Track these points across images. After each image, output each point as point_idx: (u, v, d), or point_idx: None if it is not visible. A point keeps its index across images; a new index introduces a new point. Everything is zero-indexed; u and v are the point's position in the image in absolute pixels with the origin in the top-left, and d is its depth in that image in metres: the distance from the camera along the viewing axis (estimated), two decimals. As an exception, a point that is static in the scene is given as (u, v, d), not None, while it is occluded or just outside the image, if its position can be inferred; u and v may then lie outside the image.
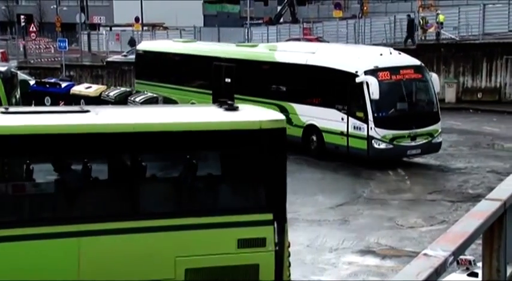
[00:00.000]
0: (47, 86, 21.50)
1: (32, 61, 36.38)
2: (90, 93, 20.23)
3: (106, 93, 19.75)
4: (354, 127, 15.35)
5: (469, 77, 26.04)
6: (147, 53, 22.95)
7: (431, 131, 15.66)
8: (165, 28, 45.44)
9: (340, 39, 33.61)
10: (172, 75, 21.11)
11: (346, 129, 15.45)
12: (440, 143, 15.88)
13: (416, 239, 10.77)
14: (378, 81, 14.80)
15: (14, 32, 48.25)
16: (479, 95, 25.69)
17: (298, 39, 33.89)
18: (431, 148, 15.72)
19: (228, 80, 18.68)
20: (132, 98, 18.52)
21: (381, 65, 15.27)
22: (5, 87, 11.49)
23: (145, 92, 19.88)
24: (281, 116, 7.59)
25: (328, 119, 15.95)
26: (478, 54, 26.01)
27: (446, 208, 12.45)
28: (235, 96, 16.95)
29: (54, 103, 20.92)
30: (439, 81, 16.75)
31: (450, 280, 6.17)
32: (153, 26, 44.79)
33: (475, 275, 5.85)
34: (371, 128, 15.02)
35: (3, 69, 12.14)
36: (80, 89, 20.82)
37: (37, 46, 39.94)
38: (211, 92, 18.83)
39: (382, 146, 15.03)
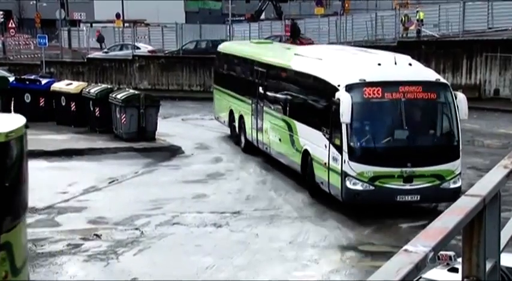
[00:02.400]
0: (27, 82, 21.30)
1: (11, 57, 36.02)
2: (70, 90, 20.09)
3: (87, 90, 19.62)
4: (333, 158, 11.54)
5: (450, 74, 26.20)
6: (226, 56, 19.01)
7: (440, 171, 11.33)
8: (147, 25, 45.21)
9: (322, 36, 33.67)
10: (250, 87, 16.35)
11: (327, 160, 11.74)
12: (456, 189, 11.22)
13: (397, 236, 10.83)
14: (362, 99, 11.08)
15: (-7, 28, 47.67)
16: (460, 92, 25.93)
17: (280, 36, 33.90)
18: (440, 195, 11.33)
19: None
20: (114, 95, 18.43)
21: (370, 79, 11.26)
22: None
23: (127, 90, 19.75)
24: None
25: (317, 144, 12.30)
26: (458, 51, 26.20)
27: (427, 204, 12.52)
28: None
29: (34, 100, 20.77)
30: (466, 103, 11.58)
31: (430, 276, 6.21)
32: (135, 23, 44.52)
33: (456, 270, 5.89)
34: (344, 161, 11.12)
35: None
36: (60, 85, 20.66)
37: (16, 42, 39.54)
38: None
39: (358, 186, 11.03)
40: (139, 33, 38.82)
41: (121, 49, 35.60)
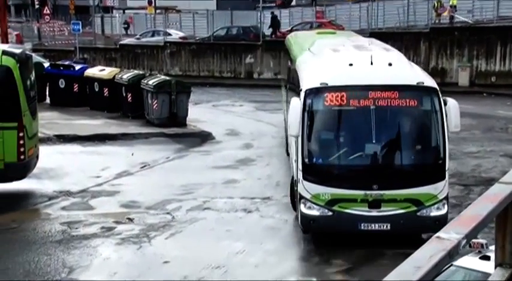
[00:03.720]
0: (61, 68, 21.55)
1: (46, 44, 36.44)
2: (103, 76, 20.26)
3: (119, 76, 19.77)
4: (297, 177, 9.72)
5: (483, 60, 25.77)
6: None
7: (417, 195, 9.13)
8: (178, 11, 45.26)
9: (353, 22, 33.35)
10: None
11: (296, 178, 9.94)
12: (439, 218, 9.09)
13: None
14: (323, 107, 9.22)
15: (29, 15, 48.28)
16: (493, 79, 25.45)
17: (310, 23, 33.69)
18: (417, 224, 9.18)
19: None
20: (145, 81, 18.54)
21: (334, 82, 9.25)
22: (20, 69, 11.54)
23: (159, 76, 19.88)
24: None
25: (293, 159, 10.80)
26: (492, 37, 25.71)
27: (459, 192, 12.39)
28: None
29: (69, 86, 21.01)
30: (458, 111, 9.35)
31: (462, 264, 6.17)
32: (166, 9, 44.60)
33: (487, 258, 5.84)
34: (299, 181, 9.36)
35: (18, 51, 12.15)
36: (93, 71, 20.85)
37: (51, 29, 39.96)
38: None
39: (314, 211, 9.17)
40: (170, 19, 38.92)
41: (153, 35, 35.75)
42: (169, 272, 8.75)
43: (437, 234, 2.43)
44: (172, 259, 9.16)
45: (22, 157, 11.47)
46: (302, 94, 9.27)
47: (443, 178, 9.24)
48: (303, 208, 9.24)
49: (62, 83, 21.11)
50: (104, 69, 21.06)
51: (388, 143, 9.40)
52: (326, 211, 9.19)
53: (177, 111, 18.01)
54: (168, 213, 11.20)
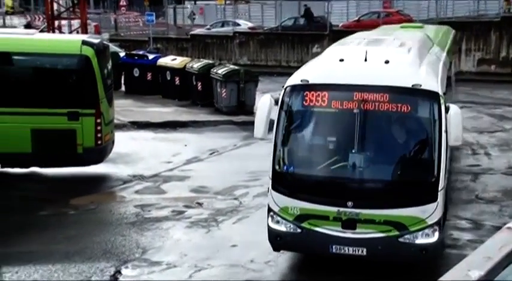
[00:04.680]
0: (136, 58, 22.03)
1: (122, 34, 37.28)
2: (175, 65, 20.59)
3: (190, 65, 20.04)
4: None
5: (555, 52, 24.72)
6: None
7: (400, 218, 7.49)
8: (247, 2, 45.38)
9: (421, 12, 32.59)
10: None
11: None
12: (426, 247, 7.51)
13: (497, 214, 10.45)
14: (301, 107, 7.87)
15: (106, 6, 49.46)
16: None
17: (377, 13, 33.13)
18: (399, 252, 7.56)
19: None
20: (215, 70, 18.72)
21: (315, 80, 7.86)
22: (98, 58, 11.86)
23: (228, 65, 20.02)
24: None
25: None
26: None
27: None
28: None
29: (142, 74, 21.46)
30: (461, 121, 7.63)
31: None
32: (235, 0, 44.82)
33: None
34: (268, 191, 8.03)
35: (96, 41, 12.49)
36: (166, 61, 21.21)
37: (127, 19, 40.85)
38: None
39: (281, 226, 7.88)
40: (240, 10, 39.08)
41: (222, 26, 36.03)
42: (237, 255, 8.86)
43: (507, 225, 2.38)
44: (240, 243, 9.26)
45: (99, 142, 11.82)
46: (282, 91, 7.95)
47: (434, 199, 7.43)
48: (270, 222, 7.91)
49: (136, 72, 21.58)
50: (175, 59, 21.39)
51: (370, 154, 7.61)
52: (294, 227, 7.75)
53: (245, 99, 18.12)
54: (235, 198, 11.31)
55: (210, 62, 21.26)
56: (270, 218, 7.93)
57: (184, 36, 34.19)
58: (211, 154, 14.62)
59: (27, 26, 26.48)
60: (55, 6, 26.08)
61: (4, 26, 36.32)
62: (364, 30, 15.02)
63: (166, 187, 12.07)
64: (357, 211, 7.50)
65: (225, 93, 18.04)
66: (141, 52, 23.41)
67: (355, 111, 7.58)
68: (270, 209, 7.92)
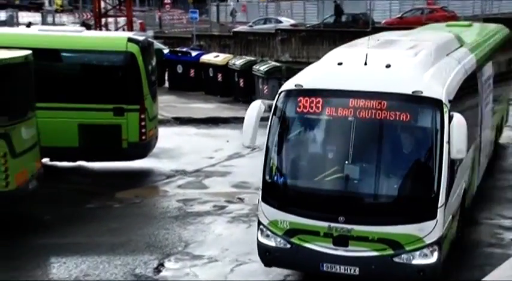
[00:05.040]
0: (179, 54, 22.23)
1: (166, 31, 37.63)
2: (217, 61, 20.68)
3: (232, 62, 20.11)
4: None
5: None
6: None
7: (396, 236, 6.93)
8: (289, -1, 45.24)
9: (466, 9, 31.97)
10: None
11: None
12: (424, 268, 6.94)
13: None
14: (294, 114, 7.34)
15: (151, 4, 50.04)
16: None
17: (421, 9, 32.64)
18: (394, 272, 6.99)
19: None
20: (257, 67, 18.74)
21: (309, 85, 7.36)
22: (143, 55, 12.01)
23: (270, 62, 20.01)
24: None
25: None
26: None
27: None
28: None
29: (186, 71, 21.64)
30: (465, 131, 6.96)
31: None
32: (278, -3, 44.72)
33: None
34: (258, 202, 7.60)
35: (141, 38, 12.66)
36: (208, 57, 21.33)
37: (171, 17, 41.24)
38: None
39: (271, 241, 7.39)
40: (282, 7, 39.02)
41: (265, 23, 36.04)
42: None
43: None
44: (280, 239, 9.25)
45: (143, 137, 11.97)
46: (276, 96, 7.48)
47: (433, 216, 6.80)
48: (259, 235, 7.42)
49: (179, 69, 21.77)
50: (218, 56, 21.49)
51: (364, 165, 7.03)
52: (284, 242, 7.24)
53: (287, 96, 18.08)
54: (276, 194, 11.31)
55: (252, 59, 21.29)
56: (259, 232, 7.42)
57: (227, 34, 34.31)
58: (252, 149, 14.64)
59: (84, 24, 26.90)
60: (102, 4, 26.47)
61: (54, 23, 37.08)
62: (407, 28, 14.77)
63: (208, 182, 12.15)
64: (349, 226, 6.91)
65: (266, 90, 18.04)
66: (184, 49, 23.61)
67: (349, 119, 7.01)
68: (259, 222, 7.41)
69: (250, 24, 36.81)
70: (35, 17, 38.94)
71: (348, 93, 7.11)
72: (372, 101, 7.00)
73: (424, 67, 7.63)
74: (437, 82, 7.41)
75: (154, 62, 13.07)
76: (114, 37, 13.92)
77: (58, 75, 11.99)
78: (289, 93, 7.36)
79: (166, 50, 23.30)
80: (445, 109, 6.96)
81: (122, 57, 12.00)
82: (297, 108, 7.26)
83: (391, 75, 7.29)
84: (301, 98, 7.23)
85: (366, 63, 7.41)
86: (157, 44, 22.61)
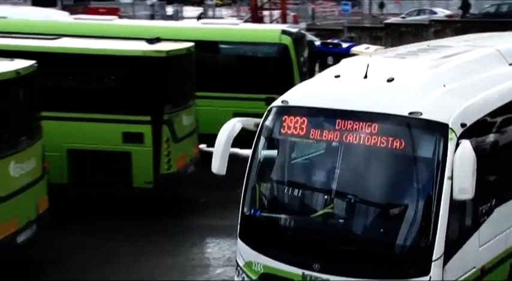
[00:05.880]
0: (330, 46, 22.22)
1: (318, 23, 37.71)
2: (368, 53, 20.38)
3: (384, 53, 19.71)
4: None
5: None
6: None
7: None
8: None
9: None
10: None
11: None
12: None
13: None
14: (278, 135, 6.01)
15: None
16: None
17: None
18: None
19: None
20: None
21: (296, 101, 6.05)
22: (295, 47, 12.16)
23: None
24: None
25: None
26: None
27: None
28: None
29: (336, 62, 21.50)
30: (471, 165, 5.18)
31: None
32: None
33: None
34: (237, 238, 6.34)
35: (294, 30, 12.82)
36: (359, 49, 21.07)
37: (323, 9, 41.27)
38: None
39: None
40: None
41: (418, 14, 34.92)
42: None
43: None
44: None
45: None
46: (265, 113, 6.21)
47: (425, 272, 5.28)
48: (236, 277, 6.24)
49: (330, 60, 21.68)
50: (368, 47, 21.18)
51: (346, 203, 5.63)
52: None
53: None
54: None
55: (404, 50, 20.67)
56: (236, 273, 6.22)
57: (379, 25, 33.64)
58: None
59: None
60: (258, -3, 27.07)
61: (213, 17, 38.62)
62: None
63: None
64: (324, 276, 5.52)
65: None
66: (335, 41, 23.54)
67: (334, 145, 5.66)
68: (236, 262, 6.24)
69: (403, 15, 35.81)
70: (197, 11, 40.76)
71: (335, 113, 5.70)
72: (361, 124, 5.55)
73: (439, 82, 5.93)
74: (452, 101, 5.73)
75: (306, 54, 13.18)
76: (268, 29, 14.22)
77: (216, 66, 12.48)
78: (275, 110, 6.04)
79: (317, 42, 23.38)
80: (451, 136, 5.36)
81: (275, 49, 12.22)
82: (281, 129, 5.92)
83: (390, 91, 5.78)
84: (286, 117, 5.89)
85: (365, 76, 5.95)
86: (309, 36, 22.73)
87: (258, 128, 6.10)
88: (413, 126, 5.47)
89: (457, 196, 5.20)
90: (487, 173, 5.85)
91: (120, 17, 23.24)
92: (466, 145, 5.26)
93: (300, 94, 6.19)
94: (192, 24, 13.86)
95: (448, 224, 5.29)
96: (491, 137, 6.07)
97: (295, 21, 34.99)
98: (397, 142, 5.45)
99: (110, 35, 11.49)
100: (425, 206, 5.36)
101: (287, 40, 12.08)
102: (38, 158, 8.06)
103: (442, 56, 6.88)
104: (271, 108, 6.11)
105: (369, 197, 5.60)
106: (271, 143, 6.09)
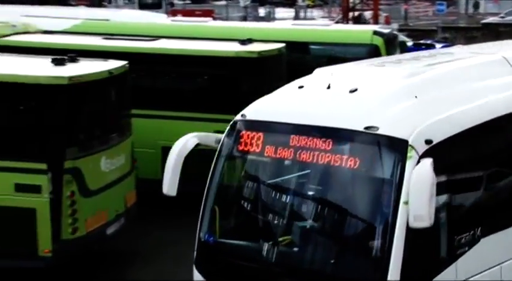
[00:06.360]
0: (423, 47, 21.67)
1: (411, 24, 36.85)
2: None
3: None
4: None
5: None
6: None
7: None
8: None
9: None
10: None
11: None
12: None
13: None
14: (236, 153, 5.46)
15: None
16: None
17: None
18: None
19: None
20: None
21: (253, 115, 5.49)
22: (387, 47, 11.97)
23: None
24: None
25: None
26: None
27: None
28: None
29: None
30: (429, 187, 4.40)
31: None
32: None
33: None
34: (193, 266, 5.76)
35: (386, 31, 12.64)
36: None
37: (417, 9, 40.30)
38: None
39: None
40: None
41: (517, 14, 33.32)
42: None
43: None
44: None
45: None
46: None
47: None
48: None
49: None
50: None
51: (303, 229, 5.03)
52: None
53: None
54: None
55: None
56: None
57: (475, 25, 32.43)
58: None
59: (357, 19, 27.57)
60: (350, -2, 26.85)
61: (305, 18, 38.61)
62: None
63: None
64: None
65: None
66: (428, 41, 22.94)
67: (288, 164, 5.09)
68: None
69: (502, 15, 34.31)
70: (290, 12, 40.89)
71: (289, 128, 5.13)
72: (315, 140, 4.96)
73: (410, 93, 5.20)
74: (420, 114, 5.00)
75: (397, 54, 12.93)
76: (359, 30, 14.08)
77: (306, 66, 12.47)
78: (234, 125, 5.50)
79: (409, 43, 22.86)
80: (411, 154, 4.66)
81: (366, 49, 12.09)
82: (238, 146, 5.37)
83: (350, 103, 5.16)
84: (243, 132, 5.35)
85: (328, 87, 5.35)
86: (401, 37, 22.28)
87: (219, 144, 5.50)
88: (369, 142, 4.81)
89: (413, 223, 4.46)
90: (467, 197, 5.07)
91: (214, 18, 23.73)
92: (425, 164, 4.49)
93: (259, 107, 5.58)
94: (283, 26, 13.92)
95: (406, 256, 4.56)
96: (471, 156, 5.21)
97: (387, 22, 34.39)
98: (351, 160, 4.81)
99: (205, 36, 11.76)
100: (380, 235, 4.67)
101: (378, 41, 11.92)
102: (127, 155, 8.20)
103: (429, 64, 6.06)
104: (232, 123, 5.54)
105: (322, 225, 5.01)
106: (229, 162, 5.51)
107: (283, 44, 10.47)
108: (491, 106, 5.56)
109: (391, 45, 12.38)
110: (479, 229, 5.12)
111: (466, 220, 5.07)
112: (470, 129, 5.15)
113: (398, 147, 4.71)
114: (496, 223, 5.33)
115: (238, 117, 5.52)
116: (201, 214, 5.49)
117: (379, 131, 4.80)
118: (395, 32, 14.76)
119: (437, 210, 4.62)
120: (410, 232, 4.52)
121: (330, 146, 4.92)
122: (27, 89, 7.37)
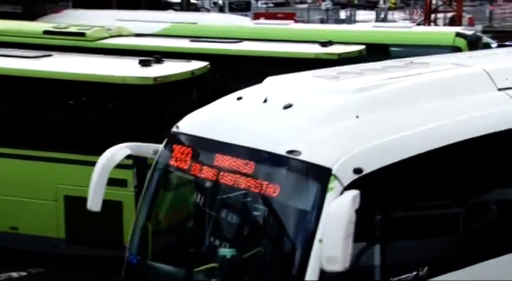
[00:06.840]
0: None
1: (496, 25, 35.52)
2: None
3: None
4: None
5: None
6: None
7: None
8: None
9: None
10: None
11: None
12: None
13: None
14: (169, 166, 4.99)
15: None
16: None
17: None
18: None
19: None
20: None
21: (185, 128, 5.03)
22: (470, 49, 11.61)
23: None
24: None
25: None
26: None
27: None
28: None
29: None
30: (345, 222, 3.69)
31: None
32: None
33: None
34: None
35: (469, 33, 12.27)
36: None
37: (503, 11, 38.80)
38: None
39: None
40: None
41: None
42: None
43: None
44: None
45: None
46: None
47: None
48: None
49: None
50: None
51: (215, 258, 4.52)
52: None
53: None
54: None
55: None
56: None
57: None
58: None
59: (452, 21, 26.91)
60: (433, 0, 26.24)
61: (385, 20, 38.01)
62: None
63: None
64: None
65: None
66: (514, 43, 21.98)
67: (208, 185, 4.61)
68: None
69: None
70: (370, 14, 40.40)
71: (215, 145, 4.64)
72: (238, 161, 4.43)
73: (350, 112, 4.44)
74: (355, 138, 4.29)
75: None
76: (442, 32, 13.75)
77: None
78: (169, 138, 5.04)
79: (494, 45, 22.04)
80: (332, 184, 4.01)
81: (449, 51, 11.75)
82: (170, 160, 4.90)
83: (281, 121, 4.52)
84: (175, 146, 4.90)
85: (265, 100, 4.74)
86: (485, 39, 21.53)
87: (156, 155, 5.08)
88: (290, 169, 4.20)
89: (325, 266, 3.77)
90: (408, 236, 4.36)
91: (296, 21, 23.80)
92: (344, 198, 3.81)
93: (194, 119, 5.07)
94: (364, 28, 13.78)
95: None
96: (414, 189, 4.44)
97: (471, 24, 33.28)
98: (271, 187, 4.21)
99: (287, 38, 11.81)
100: (292, 275, 4.04)
101: (461, 43, 11.59)
102: None
103: (393, 77, 5.09)
104: (169, 134, 5.07)
105: (239, 256, 4.38)
106: (163, 176, 5.06)
107: (363, 46, 10.36)
108: (446, 131, 4.60)
109: (475, 47, 11.99)
110: (426, 269, 4.35)
111: (405, 260, 4.32)
112: (414, 158, 4.33)
113: (319, 176, 4.07)
114: (442, 264, 4.48)
115: (174, 128, 5.07)
116: (131, 231, 5.09)
117: (301, 157, 4.18)
118: (479, 34, 14.27)
119: (369, 250, 4.05)
120: (325, 275, 3.86)
121: (252, 170, 4.37)
122: (115, 89, 7.84)
